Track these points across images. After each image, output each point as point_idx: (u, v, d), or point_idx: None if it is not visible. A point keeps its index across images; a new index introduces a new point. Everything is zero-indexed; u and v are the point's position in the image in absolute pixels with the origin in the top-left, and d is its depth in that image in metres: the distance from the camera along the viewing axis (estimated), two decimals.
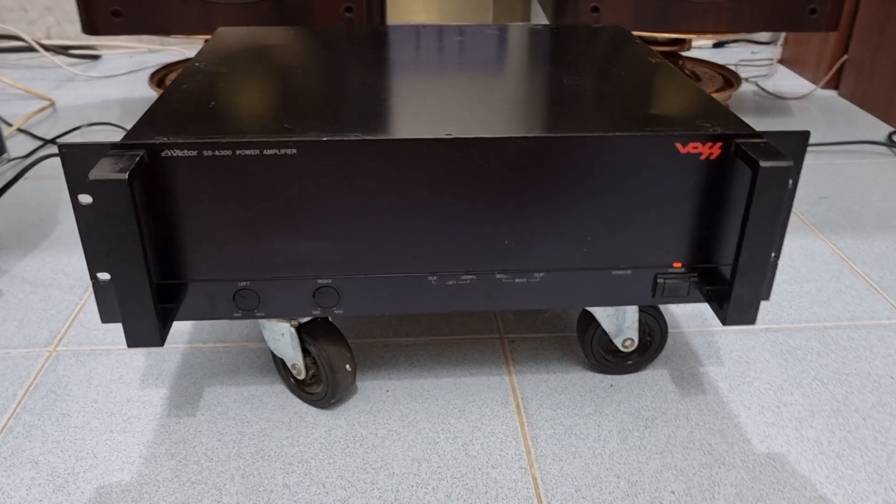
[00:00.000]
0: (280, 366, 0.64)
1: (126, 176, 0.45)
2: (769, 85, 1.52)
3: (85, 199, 0.49)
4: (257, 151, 0.49)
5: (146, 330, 0.50)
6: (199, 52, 0.70)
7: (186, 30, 1.08)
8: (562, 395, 0.64)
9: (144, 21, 1.08)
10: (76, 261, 0.85)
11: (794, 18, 1.10)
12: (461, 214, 0.52)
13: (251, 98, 0.57)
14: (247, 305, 0.54)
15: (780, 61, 1.65)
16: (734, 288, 0.52)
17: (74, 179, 0.49)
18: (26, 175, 1.08)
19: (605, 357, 0.66)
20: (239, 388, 0.65)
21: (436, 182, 0.51)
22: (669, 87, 0.61)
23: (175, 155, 0.48)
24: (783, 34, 1.66)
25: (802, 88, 1.49)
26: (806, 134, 0.52)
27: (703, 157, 0.52)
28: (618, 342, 0.64)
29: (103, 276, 0.52)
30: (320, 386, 0.62)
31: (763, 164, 0.48)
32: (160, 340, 0.50)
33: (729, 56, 1.70)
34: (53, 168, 1.10)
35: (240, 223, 0.51)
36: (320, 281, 0.54)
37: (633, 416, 0.62)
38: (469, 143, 0.50)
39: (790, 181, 0.53)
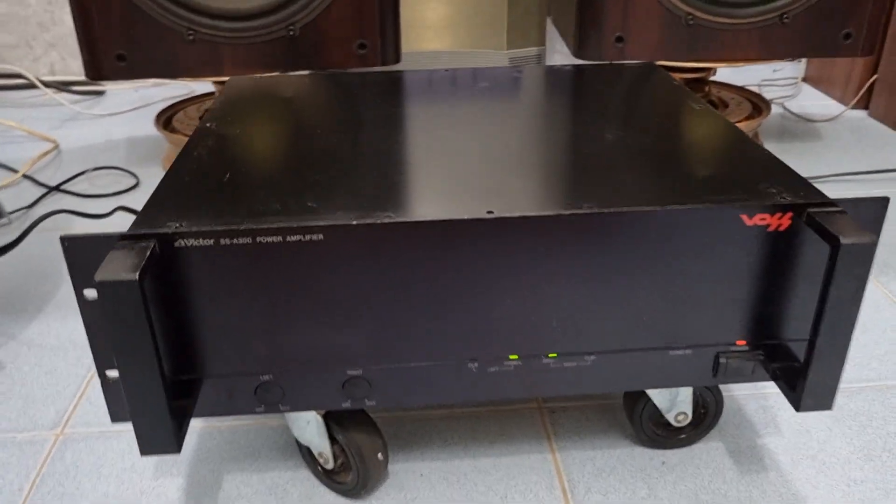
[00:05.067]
0: (306, 453, 0.59)
1: (136, 276, 0.40)
2: (795, 106, 1.46)
3: (91, 293, 0.45)
4: (280, 238, 0.44)
5: (160, 434, 0.45)
6: (210, 110, 0.65)
7: (194, 73, 1.04)
8: (611, 476, 0.59)
9: (150, 64, 1.04)
10: (82, 326, 0.81)
11: (828, 44, 1.05)
12: (504, 296, 0.47)
13: (269, 168, 0.53)
14: (270, 399, 0.50)
15: (804, 79, 1.60)
16: (810, 372, 0.47)
17: (79, 273, 0.44)
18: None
19: (656, 431, 0.61)
20: (261, 475, 0.60)
21: (476, 263, 0.46)
22: (721, 141, 0.56)
23: (189, 244, 0.44)
24: None
25: (831, 109, 1.44)
26: (885, 200, 0.47)
27: (771, 229, 0.47)
28: (670, 417, 0.59)
29: (112, 373, 0.48)
30: (350, 474, 0.57)
31: (844, 241, 0.43)
32: (176, 446, 0.45)
33: (750, 76, 1.65)
34: (58, 221, 1.06)
35: (261, 314, 0.46)
36: (350, 371, 0.49)
37: (691, 501, 0.57)
38: (513, 223, 0.45)
39: None
